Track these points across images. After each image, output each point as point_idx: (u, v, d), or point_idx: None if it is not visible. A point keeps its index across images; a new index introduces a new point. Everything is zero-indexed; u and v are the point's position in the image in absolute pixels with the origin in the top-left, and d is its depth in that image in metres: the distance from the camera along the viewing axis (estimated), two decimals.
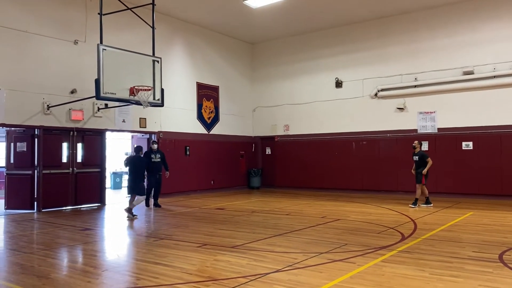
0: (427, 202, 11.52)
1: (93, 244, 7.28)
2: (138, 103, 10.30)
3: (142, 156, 10.55)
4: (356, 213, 10.49)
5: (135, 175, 10.11)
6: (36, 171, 11.45)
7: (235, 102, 17.79)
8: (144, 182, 10.42)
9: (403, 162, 13.80)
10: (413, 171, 11.61)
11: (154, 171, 11.77)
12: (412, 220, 9.18)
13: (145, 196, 10.43)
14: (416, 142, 11.77)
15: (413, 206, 11.20)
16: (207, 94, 16.47)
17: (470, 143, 13.52)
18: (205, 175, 16.07)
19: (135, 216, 9.88)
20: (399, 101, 14.80)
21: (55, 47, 11.75)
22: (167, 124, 14.78)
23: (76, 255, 6.63)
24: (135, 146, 10.83)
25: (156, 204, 11.89)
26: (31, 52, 11.26)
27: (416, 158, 11.53)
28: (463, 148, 13.64)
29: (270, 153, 18.21)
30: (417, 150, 11.62)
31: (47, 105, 11.42)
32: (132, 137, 15.11)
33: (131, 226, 9.11)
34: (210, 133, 16.53)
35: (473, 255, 6.00)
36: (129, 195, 10.45)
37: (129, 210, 9.90)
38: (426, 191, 11.48)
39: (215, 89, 16.89)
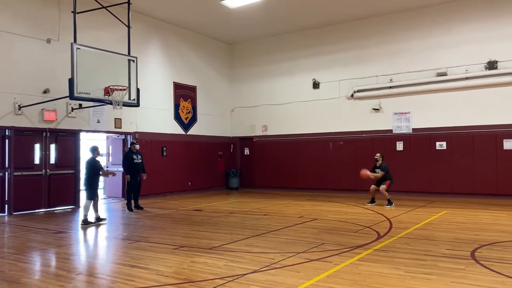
0: (372, 201, 11.85)
1: (67, 247, 7.10)
2: (113, 103, 10.11)
3: (95, 158, 9.55)
4: (333, 212, 10.58)
5: (86, 178, 9.41)
6: (7, 173, 11.10)
7: (213, 102, 17.71)
8: (95, 186, 9.50)
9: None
10: (368, 174, 11.65)
11: (135, 172, 11.53)
12: (388, 219, 9.31)
13: (91, 201, 9.39)
14: (378, 154, 11.94)
15: (388, 206, 11.34)
16: (184, 94, 16.34)
17: (444, 143, 13.82)
18: (183, 176, 15.93)
19: (90, 224, 9.18)
20: (375, 102, 15.02)
21: (27, 45, 11.43)
22: (143, 125, 14.58)
23: (48, 259, 6.46)
24: (91, 146, 9.76)
25: (138, 206, 11.69)
26: (1, 51, 10.92)
27: (378, 171, 11.64)
28: (437, 148, 13.93)
29: (248, 153, 18.20)
30: (379, 162, 11.80)
31: (19, 105, 11.11)
32: (107, 138, 14.83)
33: (106, 229, 8.94)
34: (188, 133, 16.40)
35: (446, 252, 6.12)
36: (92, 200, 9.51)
37: (85, 221, 9.20)
38: (387, 194, 11.56)
39: (193, 89, 16.77)
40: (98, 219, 9.45)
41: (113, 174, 10.53)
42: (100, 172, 9.65)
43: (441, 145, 13.88)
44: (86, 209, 9.30)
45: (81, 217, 9.54)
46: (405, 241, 6.98)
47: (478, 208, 10.97)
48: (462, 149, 13.50)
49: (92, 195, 9.41)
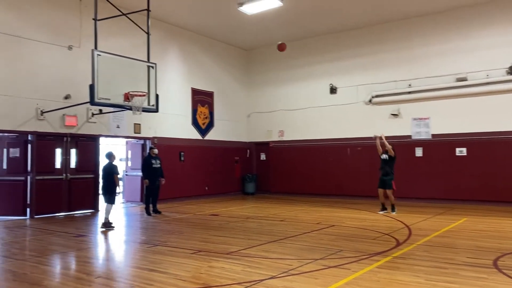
0: (383, 208, 11.50)
1: (87, 250, 7.21)
2: (132, 108, 10.25)
3: (112, 163, 9.77)
4: (351, 219, 10.48)
5: (105, 183, 9.67)
6: (29, 177, 11.35)
7: (230, 107, 17.80)
8: (114, 190, 9.70)
9: (398, 168, 13.82)
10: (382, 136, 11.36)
11: (154, 177, 11.65)
12: (407, 226, 9.19)
13: (111, 205, 9.59)
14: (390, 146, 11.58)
15: (394, 212, 11.17)
16: (201, 100, 16.47)
17: (464, 149, 13.59)
18: (200, 180, 16.02)
19: (112, 228, 9.35)
20: (393, 107, 14.88)
21: (49, 52, 11.71)
22: (162, 130, 14.74)
23: (69, 262, 6.57)
24: (106, 152, 9.98)
25: (156, 211, 11.80)
26: (24, 58, 11.21)
27: (385, 156, 11.37)
28: (456, 154, 13.70)
29: (264, 158, 18.21)
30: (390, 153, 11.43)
31: (41, 111, 11.36)
32: (127, 143, 15.04)
33: (125, 233, 9.04)
34: (205, 138, 16.51)
35: (468, 261, 6.01)
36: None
37: (105, 224, 9.40)
38: (393, 198, 11.34)
39: (210, 94, 16.89)
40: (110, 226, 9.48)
41: (118, 185, 10.09)
42: (113, 177, 9.66)
43: (461, 151, 13.66)
44: (108, 212, 9.49)
45: (102, 220, 9.71)
46: (424, 248, 6.88)
47: (500, 216, 10.74)
48: (483, 156, 13.25)
49: (112, 200, 9.60)
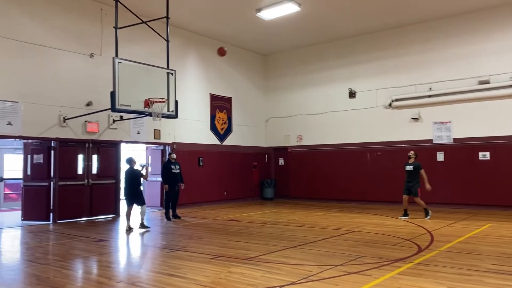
0: (405, 214, 11.39)
1: (108, 255, 7.31)
2: (152, 115, 10.38)
3: (135, 168, 10.19)
4: (372, 224, 10.36)
5: (132, 187, 10.03)
6: (52, 182, 11.59)
7: (248, 113, 17.85)
8: (140, 192, 10.27)
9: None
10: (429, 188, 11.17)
11: (174, 182, 11.76)
12: (429, 231, 9.02)
13: (145, 206, 10.22)
14: (412, 152, 11.57)
15: (427, 218, 11.02)
16: (220, 105, 16.56)
17: (487, 153, 13.30)
18: (218, 186, 16.09)
19: (132, 229, 9.84)
20: (414, 111, 14.67)
21: (71, 60, 11.97)
22: (181, 136, 14.88)
23: (91, 267, 6.66)
24: (127, 158, 10.40)
25: (176, 216, 11.90)
26: (48, 66, 11.49)
27: (410, 168, 11.28)
28: (480, 159, 13.41)
29: (283, 163, 18.17)
30: (412, 160, 11.39)
31: (63, 118, 11.60)
32: (147, 148, 15.23)
33: (145, 238, 9.13)
34: (223, 144, 16.58)
35: (493, 267, 5.86)
36: (129, 207, 10.11)
37: (142, 225, 10.08)
38: (423, 202, 11.19)
39: (228, 100, 16.98)
40: (129, 229, 9.86)
41: (147, 175, 10.73)
42: (142, 178, 10.30)
43: (484, 155, 13.36)
44: (143, 213, 10.08)
45: (139, 221, 10.22)
46: (447, 255, 6.74)
47: None
48: (507, 160, 12.94)
49: (143, 200, 10.17)
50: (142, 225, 10.04)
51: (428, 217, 11.06)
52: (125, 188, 10.11)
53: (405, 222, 10.56)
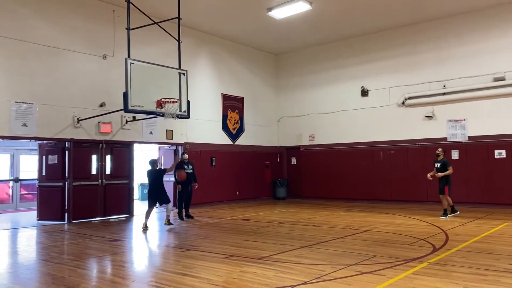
0: (453, 210, 11.29)
1: (122, 255, 7.36)
2: (165, 115, 10.43)
3: (158, 168, 10.57)
4: (385, 224, 10.27)
5: (157, 187, 10.29)
6: (66, 183, 11.73)
7: (260, 112, 17.85)
8: (165, 191, 10.53)
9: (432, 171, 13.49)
10: (430, 177, 11.25)
11: (186, 182, 11.81)
12: (444, 231, 8.91)
13: (171, 203, 10.58)
14: (440, 149, 11.46)
15: (443, 217, 10.90)
16: (232, 105, 16.58)
17: (503, 151, 13.08)
18: (231, 185, 16.11)
19: (147, 228, 10.01)
20: (428, 109, 14.51)
21: (84, 62, 12.10)
22: (193, 136, 14.94)
23: (105, 266, 6.72)
24: (150, 159, 10.71)
25: (189, 215, 11.95)
26: (61, 67, 11.63)
27: (438, 165, 11.23)
28: (495, 157, 13.21)
29: (295, 163, 18.12)
30: (440, 157, 11.30)
31: (77, 119, 11.74)
32: (159, 148, 15.32)
33: (158, 238, 9.19)
34: (235, 143, 16.60)
35: (510, 267, 5.76)
36: (150, 207, 10.33)
37: (168, 222, 10.47)
38: (450, 200, 11.19)
39: (240, 100, 16.99)
40: (145, 228, 9.99)
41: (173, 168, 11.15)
42: (168, 172, 10.74)
43: (500, 153, 13.15)
44: (169, 211, 10.48)
45: (167, 218, 10.59)
46: (463, 254, 6.64)
47: None
48: None
49: (168, 198, 10.48)
50: (168, 222, 10.43)
51: (443, 217, 10.92)
52: (150, 189, 10.41)
53: (418, 222, 10.45)
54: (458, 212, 11.28)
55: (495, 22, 13.37)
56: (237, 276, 5.59)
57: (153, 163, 10.50)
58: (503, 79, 13.09)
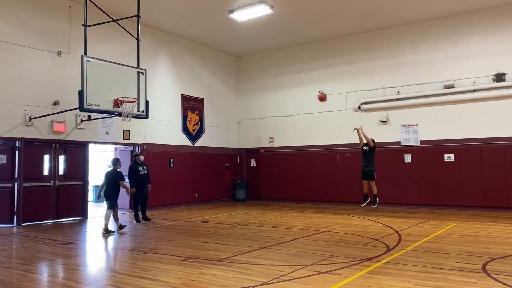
0: (366, 199, 10.87)
1: (75, 258, 7.12)
2: (122, 115, 10.19)
3: (118, 170, 10.03)
4: (341, 225, 10.52)
5: (108, 188, 9.81)
6: (16, 184, 11.19)
7: (220, 114, 17.80)
8: (116, 196, 9.94)
9: (385, 174, 13.97)
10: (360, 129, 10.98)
11: (142, 184, 11.55)
12: (397, 231, 9.24)
13: (111, 211, 9.81)
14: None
15: (375, 205, 10.78)
16: (192, 106, 16.44)
17: (452, 155, 13.75)
18: (190, 187, 15.95)
19: (111, 232, 9.57)
20: (382, 114, 15.02)
21: (38, 58, 11.61)
22: (151, 136, 14.67)
23: (57, 270, 6.47)
24: (112, 158, 10.29)
25: (145, 218, 11.70)
26: (12, 63, 11.09)
27: (366, 148, 10.95)
28: (445, 160, 13.85)
29: (255, 165, 18.21)
30: (371, 144, 10.91)
31: (29, 117, 11.23)
32: (115, 149, 14.93)
33: (114, 240, 8.95)
34: (195, 145, 16.46)
35: (457, 265, 6.06)
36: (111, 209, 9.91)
37: (106, 230, 9.59)
38: (375, 189, 10.90)
39: (200, 101, 16.88)
40: (121, 227, 9.84)
41: (127, 189, 10.45)
42: (120, 183, 9.97)
43: (449, 157, 13.81)
44: (107, 218, 9.68)
45: (102, 226, 9.79)
46: (414, 254, 6.92)
47: (488, 221, 10.85)
48: (470, 162, 13.42)
49: (113, 205, 9.82)
50: (106, 230, 9.58)
51: (375, 206, 10.81)
52: (106, 190, 9.86)
53: (373, 222, 10.78)
54: (369, 201, 10.86)
55: (446, 32, 14.04)
56: (196, 278, 5.54)
57: (115, 162, 10.11)
58: (452, 86, 13.77)
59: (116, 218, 9.93)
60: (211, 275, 5.68)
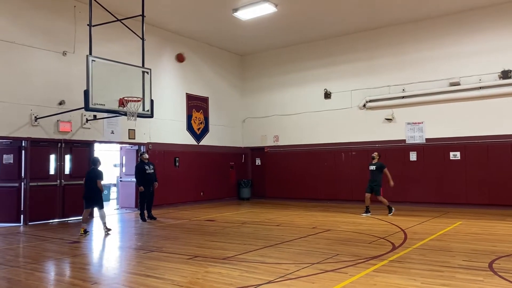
0: (367, 211, 12.01)
1: (82, 257, 7.16)
2: (127, 114, 10.22)
3: (97, 168, 9.49)
4: (347, 223, 10.50)
5: (86, 188, 9.44)
6: (23, 183, 11.26)
7: (225, 113, 17.81)
8: (100, 195, 9.49)
9: (391, 172, 13.90)
10: (392, 184, 11.64)
11: (148, 183, 11.59)
12: (402, 230, 9.22)
13: (89, 210, 9.53)
14: (376, 153, 12.16)
15: (390, 214, 11.63)
16: (196, 105, 16.47)
17: (458, 153, 13.68)
18: (195, 186, 15.98)
19: (87, 233, 9.29)
20: (387, 112, 14.96)
21: (43, 58, 11.67)
22: (157, 136, 14.71)
23: (64, 269, 6.51)
24: (92, 157, 9.93)
25: (151, 217, 11.75)
26: (19, 63, 11.16)
27: (372, 167, 11.86)
28: (450, 158, 13.79)
29: (260, 164, 18.21)
30: (375, 160, 11.95)
31: (35, 117, 11.29)
32: (121, 148, 14.97)
33: (120, 239, 8.99)
34: (200, 144, 16.49)
35: (464, 264, 6.04)
36: (86, 209, 9.53)
37: (106, 229, 9.46)
38: (386, 200, 11.79)
39: (205, 100, 16.90)
40: (85, 232, 9.29)
41: (102, 191, 9.77)
42: (97, 182, 9.38)
43: (455, 155, 13.75)
44: (103, 218, 9.51)
45: (102, 226, 9.62)
46: (420, 252, 6.90)
47: (494, 219, 10.80)
48: (477, 159, 13.35)
49: (88, 205, 9.52)
50: (107, 229, 9.46)
51: (391, 214, 11.63)
52: (86, 190, 9.49)
53: (379, 221, 10.76)
54: (370, 214, 11.90)
55: (451, 30, 13.96)
56: (202, 277, 5.56)
57: (95, 162, 9.59)
58: (458, 84, 13.70)
59: (84, 220, 9.48)
60: (217, 273, 5.70)
